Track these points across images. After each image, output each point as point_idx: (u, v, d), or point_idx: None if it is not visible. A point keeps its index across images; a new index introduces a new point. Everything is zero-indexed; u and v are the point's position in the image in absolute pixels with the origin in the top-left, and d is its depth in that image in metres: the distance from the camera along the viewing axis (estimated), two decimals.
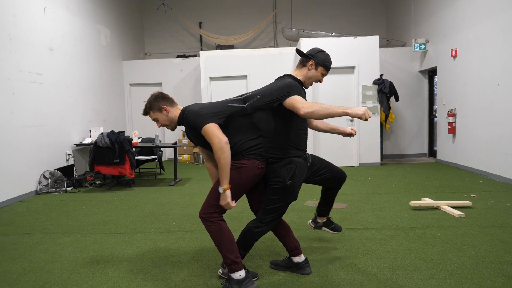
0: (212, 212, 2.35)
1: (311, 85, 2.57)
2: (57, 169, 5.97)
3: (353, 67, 7.53)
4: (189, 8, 10.70)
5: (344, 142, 7.54)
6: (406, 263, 2.79)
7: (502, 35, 5.57)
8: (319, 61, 2.47)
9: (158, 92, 2.51)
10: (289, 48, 8.36)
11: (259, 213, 2.51)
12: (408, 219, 3.90)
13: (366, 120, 2.14)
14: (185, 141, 8.73)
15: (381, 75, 7.52)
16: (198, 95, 9.01)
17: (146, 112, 2.50)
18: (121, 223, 4.07)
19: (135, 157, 6.24)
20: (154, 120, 2.50)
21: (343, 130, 2.67)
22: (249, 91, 2.89)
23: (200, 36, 10.70)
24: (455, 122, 7.02)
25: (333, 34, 9.22)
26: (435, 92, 8.31)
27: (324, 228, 2.95)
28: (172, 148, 7.46)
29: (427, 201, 4.38)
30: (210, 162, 2.62)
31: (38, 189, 5.68)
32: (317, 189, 5.35)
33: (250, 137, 2.39)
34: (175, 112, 2.46)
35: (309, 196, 4.94)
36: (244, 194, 2.54)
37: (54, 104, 6.22)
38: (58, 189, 5.81)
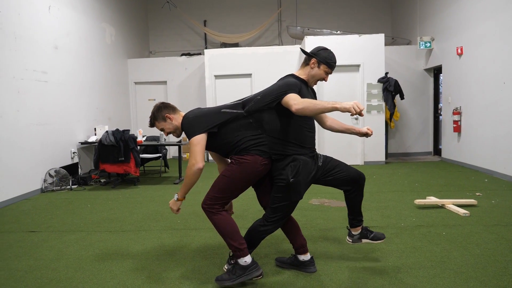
0: (213, 204, 2.41)
1: (315, 83, 2.56)
2: (62, 167, 6.01)
3: (358, 65, 7.50)
4: (194, 6, 10.70)
5: (349, 140, 7.52)
6: (411, 262, 2.78)
7: (508, 34, 5.52)
8: (321, 59, 2.46)
9: (160, 103, 2.61)
10: (294, 47, 8.34)
11: (266, 211, 2.52)
12: (413, 217, 3.89)
13: (359, 113, 2.06)
14: None
15: (386, 73, 7.49)
16: (202, 93, 9.02)
17: (152, 124, 2.61)
18: (126, 221, 4.09)
19: (140, 155, 6.26)
20: (161, 130, 2.58)
21: (359, 130, 2.59)
22: (253, 93, 2.88)
23: (205, 34, 10.70)
24: (460, 120, 6.97)
25: (338, 32, 9.19)
26: (440, 91, 8.26)
27: (364, 240, 2.68)
28: (177, 146, 7.48)
29: (432, 200, 4.36)
30: (221, 164, 2.68)
31: (43, 187, 5.72)
32: (322, 188, 5.34)
33: (252, 134, 2.43)
34: (179, 119, 2.54)
35: (313, 194, 4.93)
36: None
37: (59, 103, 6.26)
38: (63, 187, 5.85)
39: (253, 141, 2.41)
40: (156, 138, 6.89)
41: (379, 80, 7.45)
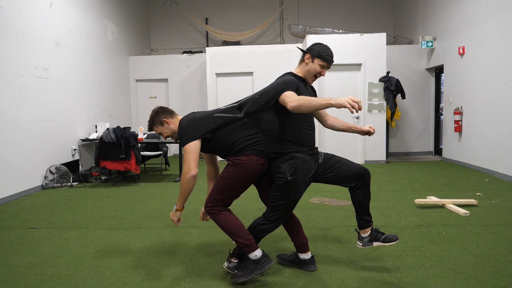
0: (214, 206, 2.44)
1: (313, 80, 2.53)
2: (63, 164, 6.02)
3: (360, 64, 7.49)
4: (196, 4, 10.69)
5: (350, 139, 7.51)
6: (411, 261, 2.78)
7: (510, 34, 5.50)
8: (315, 53, 2.45)
9: (158, 107, 2.64)
10: (296, 45, 8.32)
11: (266, 210, 2.52)
12: (413, 217, 3.89)
13: (356, 108, 2.00)
14: None
15: (388, 72, 7.47)
16: (204, 91, 9.02)
17: (150, 128, 2.64)
18: (126, 218, 4.09)
19: (141, 152, 6.26)
20: (159, 134, 2.63)
21: (361, 128, 2.56)
22: (254, 91, 2.85)
23: (206, 32, 10.69)
24: (461, 120, 6.96)
25: (340, 31, 9.17)
26: (441, 90, 8.25)
27: (375, 243, 2.52)
28: (178, 144, 7.48)
29: (432, 199, 4.36)
30: (211, 168, 2.74)
31: (44, 184, 5.73)
32: (323, 186, 5.34)
33: (247, 134, 2.44)
34: (176, 123, 2.56)
35: (314, 193, 4.93)
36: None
37: (60, 99, 6.26)
38: (64, 184, 5.85)
39: (248, 141, 2.42)
40: (157, 136, 6.88)
41: (381, 79, 7.44)
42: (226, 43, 10.19)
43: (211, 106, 8.18)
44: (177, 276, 2.63)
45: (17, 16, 5.26)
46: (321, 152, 2.55)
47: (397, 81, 7.42)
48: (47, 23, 5.94)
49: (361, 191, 2.47)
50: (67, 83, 6.48)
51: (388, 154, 7.90)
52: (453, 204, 4.19)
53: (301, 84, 2.45)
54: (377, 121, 7.48)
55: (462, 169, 6.63)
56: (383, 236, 2.51)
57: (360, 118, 7.45)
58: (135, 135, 5.89)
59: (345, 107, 2.02)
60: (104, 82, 7.91)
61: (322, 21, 10.35)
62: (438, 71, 8.34)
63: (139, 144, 6.18)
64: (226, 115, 2.49)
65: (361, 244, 2.56)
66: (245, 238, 2.42)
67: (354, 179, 2.45)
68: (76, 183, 6.02)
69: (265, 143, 2.42)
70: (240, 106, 2.55)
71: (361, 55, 7.45)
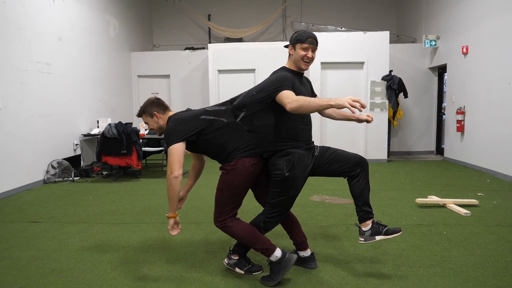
0: (223, 219, 2.42)
1: (306, 65, 2.43)
2: (65, 159, 6.03)
3: (362, 63, 7.47)
4: (198, 0, 10.65)
5: (351, 137, 7.51)
6: (411, 260, 2.79)
7: None
8: (293, 41, 2.43)
9: (155, 98, 2.63)
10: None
11: (265, 208, 2.52)
12: (414, 216, 3.89)
13: (357, 107, 1.96)
14: None
15: (390, 71, 7.46)
16: (206, 87, 9.01)
17: (139, 115, 2.65)
18: (127, 213, 4.10)
19: (142, 148, 6.27)
20: (145, 123, 2.63)
21: (358, 117, 2.50)
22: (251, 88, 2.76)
23: (209, 28, 10.66)
24: (463, 120, 6.95)
25: (343, 28, 9.14)
26: (444, 90, 8.22)
27: (378, 237, 2.42)
28: None
29: (433, 199, 4.36)
30: (197, 161, 2.78)
31: (45, 178, 5.75)
32: (323, 184, 5.34)
33: (237, 137, 2.41)
34: (165, 120, 2.56)
35: (314, 191, 4.94)
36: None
37: (63, 94, 6.26)
38: (65, 179, 5.87)
39: (237, 145, 2.39)
40: None
41: (383, 78, 7.42)
42: (228, 39, 10.17)
43: (212, 103, 8.17)
44: (178, 272, 2.64)
45: (20, 10, 5.26)
46: (317, 146, 2.54)
47: (400, 80, 7.41)
48: (50, 17, 5.94)
49: (359, 180, 2.43)
50: (69, 78, 6.48)
51: (389, 153, 7.89)
52: (454, 204, 4.18)
53: (296, 79, 2.41)
54: (379, 119, 7.47)
55: (463, 169, 6.62)
56: (385, 229, 2.43)
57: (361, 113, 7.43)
58: (136, 131, 5.90)
59: (345, 107, 1.99)
60: (106, 77, 7.91)
61: (325, 19, 10.32)
62: (441, 71, 8.31)
63: (141, 140, 6.18)
64: (212, 117, 2.45)
65: (363, 239, 2.46)
66: (262, 243, 2.41)
67: (353, 168, 2.42)
68: (78, 178, 6.04)
69: (261, 141, 2.39)
70: (232, 101, 2.52)
71: (364, 53, 7.42)
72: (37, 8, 5.62)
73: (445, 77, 8.01)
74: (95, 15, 7.41)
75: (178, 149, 2.36)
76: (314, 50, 2.43)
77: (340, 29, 9.11)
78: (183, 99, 9.18)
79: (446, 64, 7.67)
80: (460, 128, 6.99)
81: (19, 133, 5.21)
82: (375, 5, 10.44)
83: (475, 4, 6.53)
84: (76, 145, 6.58)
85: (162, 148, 7.03)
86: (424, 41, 7.92)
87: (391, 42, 7.70)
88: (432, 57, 8.24)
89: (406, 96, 7.68)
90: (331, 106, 2.03)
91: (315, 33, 7.41)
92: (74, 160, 6.28)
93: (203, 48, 9.76)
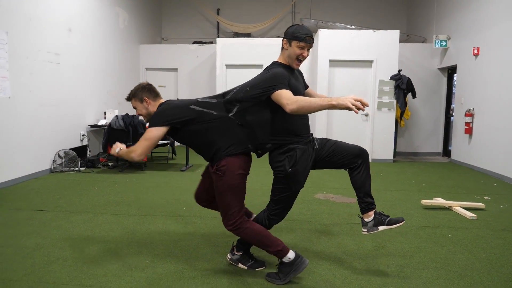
0: (235, 221, 2.35)
1: (298, 64, 2.43)
2: (72, 149, 6.06)
3: (371, 61, 7.40)
4: None
5: (357, 136, 7.47)
6: (415, 262, 2.77)
7: None
8: (289, 36, 2.38)
9: (147, 83, 2.58)
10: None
11: (268, 204, 2.51)
12: (419, 217, 3.87)
13: (361, 107, 1.93)
14: None
15: (399, 70, 7.39)
16: (213, 82, 9.00)
17: (129, 98, 2.60)
18: (132, 205, 4.12)
19: None
20: (134, 107, 2.57)
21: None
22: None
23: (218, 23, 10.64)
24: (472, 122, 6.88)
25: (352, 26, 9.07)
26: (453, 91, 8.15)
27: (380, 228, 2.41)
28: None
29: (439, 201, 4.33)
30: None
31: (52, 168, 5.79)
32: (328, 182, 5.32)
33: (227, 133, 2.36)
34: (154, 107, 2.50)
35: (319, 189, 4.92)
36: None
37: (71, 85, 6.29)
38: (71, 169, 5.91)
39: (226, 141, 2.34)
40: None
41: (392, 77, 7.36)
42: (237, 34, 10.14)
43: None
44: (181, 265, 2.65)
45: (30, 0, 5.28)
46: (317, 138, 2.51)
47: (409, 79, 7.34)
48: (60, 8, 5.95)
49: (361, 171, 2.41)
50: (78, 68, 6.50)
51: (395, 153, 7.84)
52: (460, 206, 4.15)
53: (290, 74, 2.37)
54: (386, 119, 7.42)
55: (470, 172, 6.57)
56: (388, 219, 2.41)
57: (369, 115, 7.39)
58: (143, 123, 5.91)
59: (347, 107, 1.95)
60: (115, 69, 7.93)
61: (335, 16, 10.25)
62: (450, 71, 8.23)
63: None
64: (201, 109, 2.39)
65: (365, 230, 2.45)
66: (275, 244, 2.37)
67: (354, 159, 2.40)
68: (84, 168, 6.08)
69: (253, 136, 2.37)
70: (224, 95, 2.48)
71: (373, 52, 7.36)
72: None
73: (455, 78, 7.93)
74: (105, 6, 7.41)
75: (154, 133, 2.32)
76: (309, 48, 2.41)
77: (349, 26, 9.04)
78: (190, 93, 9.18)
79: (456, 65, 7.59)
80: (469, 130, 6.93)
81: (27, 122, 5.24)
82: (386, 3, 10.35)
83: (487, 5, 6.45)
84: (83, 135, 6.62)
85: (168, 142, 7.04)
86: (435, 41, 7.84)
87: (400, 41, 7.63)
88: (442, 58, 8.16)
89: (414, 96, 7.61)
90: (333, 107, 2.00)
91: (324, 30, 7.43)
92: (80, 151, 6.31)
93: (211, 42, 9.74)
